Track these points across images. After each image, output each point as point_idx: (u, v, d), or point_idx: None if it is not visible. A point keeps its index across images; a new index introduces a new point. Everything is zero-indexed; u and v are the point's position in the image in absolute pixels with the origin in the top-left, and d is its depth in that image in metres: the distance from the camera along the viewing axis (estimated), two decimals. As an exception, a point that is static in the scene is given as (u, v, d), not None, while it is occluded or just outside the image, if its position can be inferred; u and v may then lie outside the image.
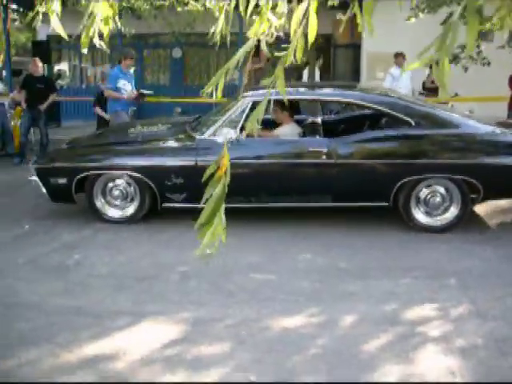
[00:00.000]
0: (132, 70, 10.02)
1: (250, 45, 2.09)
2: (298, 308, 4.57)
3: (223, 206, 2.14)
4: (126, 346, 4.00)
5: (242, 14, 2.15)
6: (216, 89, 2.12)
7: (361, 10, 2.08)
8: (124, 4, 12.02)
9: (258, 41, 2.19)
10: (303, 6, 2.03)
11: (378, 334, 4.15)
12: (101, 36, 2.41)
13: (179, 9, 12.09)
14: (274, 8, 2.09)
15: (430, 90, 13.03)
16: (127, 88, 9.65)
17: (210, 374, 3.68)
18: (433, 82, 12.77)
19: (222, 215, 2.13)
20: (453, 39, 1.93)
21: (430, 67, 12.64)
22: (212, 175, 2.16)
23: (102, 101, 10.65)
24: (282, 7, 2.11)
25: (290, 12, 2.10)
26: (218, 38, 2.31)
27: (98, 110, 10.59)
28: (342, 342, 4.04)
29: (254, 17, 2.12)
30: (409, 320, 4.39)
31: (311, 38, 2.10)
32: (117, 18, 2.35)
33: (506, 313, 4.48)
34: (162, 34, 14.99)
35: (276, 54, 2.19)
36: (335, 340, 4.08)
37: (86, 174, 6.51)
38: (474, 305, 4.62)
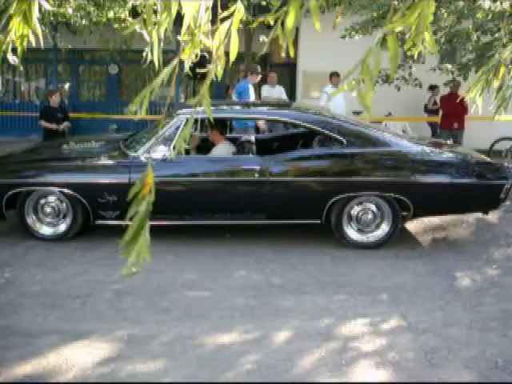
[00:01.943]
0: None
1: (173, 65, 2.10)
2: (233, 324, 4.58)
3: (148, 224, 2.13)
4: (57, 365, 3.93)
5: (169, 34, 2.16)
6: (141, 108, 2.12)
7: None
8: (59, 19, 11.86)
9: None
10: (226, 24, 2.05)
11: (312, 350, 4.19)
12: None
13: (116, 25, 11.99)
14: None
15: (432, 111, 13.14)
16: None
17: (143, 391, 3.66)
18: (435, 103, 12.91)
19: (146, 234, 2.12)
20: (376, 64, 1.99)
21: (431, 89, 12.86)
22: (137, 193, 2.16)
23: (48, 114, 10.48)
24: (207, 27, 2.13)
25: (214, 31, 2.12)
26: (155, 59, 2.31)
27: (44, 123, 10.41)
28: (276, 358, 4.07)
29: (185, 37, 2.13)
30: (342, 335, 4.45)
31: (232, 56, 2.13)
32: (40, 34, 2.31)
33: (435, 326, 4.61)
34: (98, 50, 14.82)
35: (198, 70, 2.21)
36: (269, 355, 4.11)
37: (18, 190, 6.38)
38: (405, 319, 4.73)
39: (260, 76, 10.65)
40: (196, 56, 2.16)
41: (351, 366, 3.99)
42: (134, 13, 11.20)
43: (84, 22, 11.79)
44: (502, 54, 3.23)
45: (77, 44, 13.73)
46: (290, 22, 2.00)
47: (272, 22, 2.12)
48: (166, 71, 2.06)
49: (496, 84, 3.41)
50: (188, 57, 2.13)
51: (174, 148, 6.33)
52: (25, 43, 2.27)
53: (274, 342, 4.33)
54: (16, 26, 2.15)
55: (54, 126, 10.33)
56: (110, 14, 11.32)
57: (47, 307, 4.85)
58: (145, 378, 3.79)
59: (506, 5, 9.33)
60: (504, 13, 9.18)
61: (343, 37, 10.87)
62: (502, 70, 3.31)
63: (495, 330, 4.57)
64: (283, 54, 2.18)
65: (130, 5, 10.31)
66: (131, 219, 2.10)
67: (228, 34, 2.05)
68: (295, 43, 14.51)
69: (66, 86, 14.97)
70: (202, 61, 2.76)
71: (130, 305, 4.93)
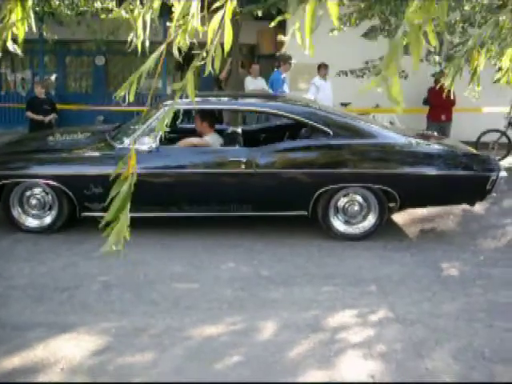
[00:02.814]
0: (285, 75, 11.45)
1: (160, 51, 2.09)
2: (221, 316, 4.58)
3: (128, 204, 2.13)
4: (46, 358, 3.92)
5: (155, 21, 2.15)
6: (128, 93, 2.11)
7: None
8: (46, 9, 11.75)
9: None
10: (219, 15, 2.04)
11: (300, 341, 4.20)
12: (15, 40, 2.37)
13: (103, 16, 11.91)
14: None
15: None
16: (286, 91, 10.88)
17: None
18: None
19: (127, 213, 2.12)
20: (399, 57, 1.97)
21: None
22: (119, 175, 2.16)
23: (34, 105, 10.43)
24: (198, 16, 2.12)
25: (206, 21, 2.11)
26: (138, 45, 2.29)
27: (31, 115, 10.36)
28: (264, 349, 4.08)
29: (169, 24, 2.12)
30: (330, 326, 4.47)
31: (227, 46, 2.11)
32: (32, 21, 2.30)
33: (423, 316, 4.63)
34: (84, 41, 14.73)
35: (195, 63, 2.19)
36: (258, 347, 4.12)
37: (3, 182, 6.33)
38: (393, 310, 4.75)
39: (291, 66, 11.18)
40: (186, 45, 2.14)
41: (339, 358, 4.00)
42: (121, 3, 11.15)
43: (68, 11, 11.71)
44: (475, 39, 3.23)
45: (63, 35, 13.62)
46: (308, 21, 1.99)
47: (260, 14, 2.12)
48: (153, 57, 2.05)
49: (472, 67, 3.42)
50: (180, 43, 2.11)
51: (162, 138, 6.31)
52: (24, 29, 2.26)
53: (263, 333, 4.34)
54: (15, 12, 2.14)
55: (40, 118, 10.27)
56: (97, 5, 11.26)
57: (35, 300, 4.83)
58: (133, 371, 3.79)
59: (494, -3, 9.35)
60: (491, 5, 9.21)
61: (332, 31, 10.85)
62: (476, 55, 3.31)
63: (482, 321, 4.60)
64: (306, 52, 2.16)
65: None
66: (112, 200, 2.09)
67: (222, 25, 2.04)
68: (283, 35, 14.48)
69: (53, 77, 14.81)
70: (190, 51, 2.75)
71: (118, 297, 4.91)
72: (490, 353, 4.09)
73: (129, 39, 2.30)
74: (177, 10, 2.03)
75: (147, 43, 2.29)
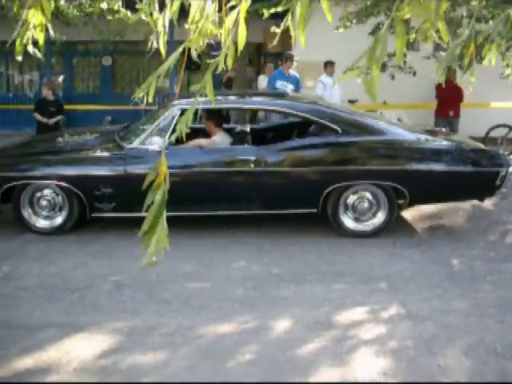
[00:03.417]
0: (295, 73, 11.42)
1: (179, 53, 2.09)
2: (232, 315, 4.59)
3: (165, 212, 2.13)
4: (58, 358, 3.93)
5: (175, 22, 2.15)
6: (147, 94, 2.11)
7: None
8: (53, 10, 11.79)
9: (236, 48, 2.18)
10: (233, 14, 2.05)
11: (312, 339, 4.21)
12: (35, 43, 2.40)
13: (109, 17, 11.94)
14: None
15: None
16: (288, 89, 10.79)
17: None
18: None
19: (164, 222, 2.12)
20: (382, 50, 1.97)
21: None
22: (151, 183, 2.15)
23: (41, 107, 10.47)
24: (213, 16, 2.12)
25: (221, 20, 2.11)
26: (161, 47, 2.30)
27: (38, 116, 10.41)
28: (276, 347, 4.08)
29: (186, 26, 2.12)
30: (342, 324, 4.47)
31: (241, 45, 2.12)
32: (49, 26, 2.33)
33: (433, 313, 4.63)
34: (91, 42, 14.76)
35: (207, 61, 2.20)
36: (269, 345, 4.12)
37: (13, 183, 6.36)
38: (404, 307, 4.75)
39: (292, 63, 11.10)
40: (200, 46, 2.15)
41: (351, 355, 4.00)
42: (128, 4, 11.16)
43: (76, 12, 11.75)
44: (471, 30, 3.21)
45: (70, 36, 13.66)
46: (300, 12, 1.99)
47: (265, 12, 2.14)
48: (172, 58, 2.04)
49: (466, 60, 3.40)
50: (196, 44, 2.12)
51: (171, 135, 6.30)
52: (44, 33, 2.27)
53: (274, 331, 4.35)
54: (36, 17, 2.15)
55: (44, 120, 10.32)
56: (103, 5, 11.29)
57: (46, 300, 4.85)
58: (145, 370, 3.80)
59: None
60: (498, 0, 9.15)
61: (338, 28, 10.83)
62: (472, 45, 3.29)
63: (493, 317, 4.59)
64: (301, 46, 2.17)
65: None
66: (147, 209, 2.09)
67: (236, 23, 2.04)
68: (289, 33, 14.47)
69: (60, 78, 14.82)
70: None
71: (130, 297, 4.93)
72: (502, 348, 4.08)
73: (149, 43, 2.31)
74: (192, 10, 2.03)
75: (155, 44, 2.30)
